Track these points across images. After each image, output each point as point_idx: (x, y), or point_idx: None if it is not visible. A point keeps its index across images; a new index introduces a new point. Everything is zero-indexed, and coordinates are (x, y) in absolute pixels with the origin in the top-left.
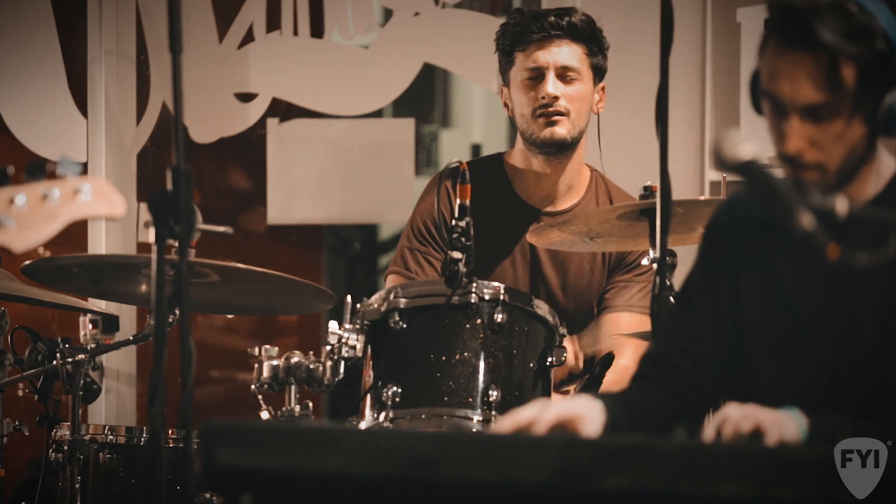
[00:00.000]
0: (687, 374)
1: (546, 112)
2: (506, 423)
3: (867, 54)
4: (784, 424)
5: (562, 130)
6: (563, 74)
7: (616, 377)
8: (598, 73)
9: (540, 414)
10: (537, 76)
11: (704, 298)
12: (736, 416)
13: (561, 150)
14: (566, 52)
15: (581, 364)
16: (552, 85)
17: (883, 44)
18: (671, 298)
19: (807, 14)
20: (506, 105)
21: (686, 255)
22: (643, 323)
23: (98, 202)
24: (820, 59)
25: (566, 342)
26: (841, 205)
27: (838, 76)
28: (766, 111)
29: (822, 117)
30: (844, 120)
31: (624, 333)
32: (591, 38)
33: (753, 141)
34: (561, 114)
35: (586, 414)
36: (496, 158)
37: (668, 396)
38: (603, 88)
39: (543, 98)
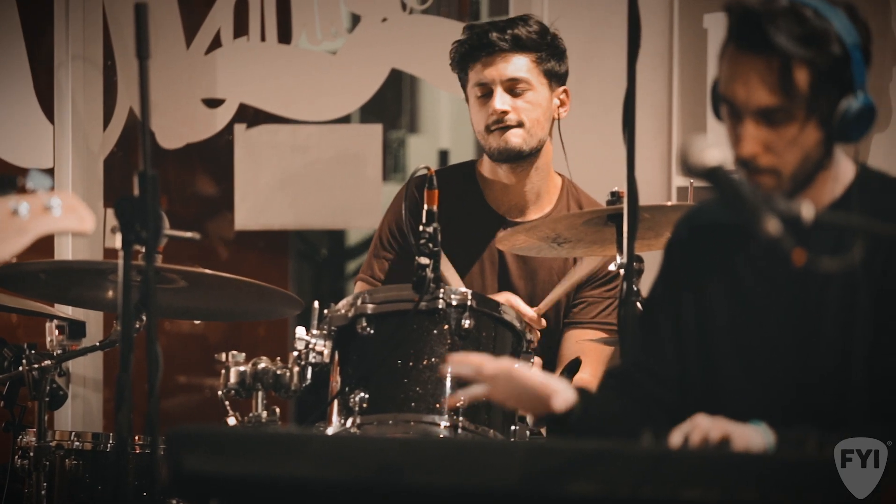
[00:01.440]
0: (648, 391)
1: (499, 127)
2: (456, 361)
3: (821, 59)
4: (751, 436)
5: (515, 140)
6: (512, 88)
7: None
8: (554, 78)
9: (488, 362)
10: (486, 92)
11: (667, 316)
12: (705, 426)
13: (519, 158)
14: (513, 65)
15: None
16: (500, 100)
17: (838, 49)
18: (638, 305)
19: (762, 18)
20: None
21: (653, 260)
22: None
23: (67, 217)
24: (773, 63)
25: (508, 297)
26: (807, 210)
27: (792, 80)
28: (724, 115)
29: (776, 121)
30: (799, 124)
31: (587, 339)
32: (539, 45)
33: (720, 147)
34: (513, 126)
35: (559, 386)
36: (468, 166)
37: (629, 406)
38: (565, 92)
39: (493, 114)
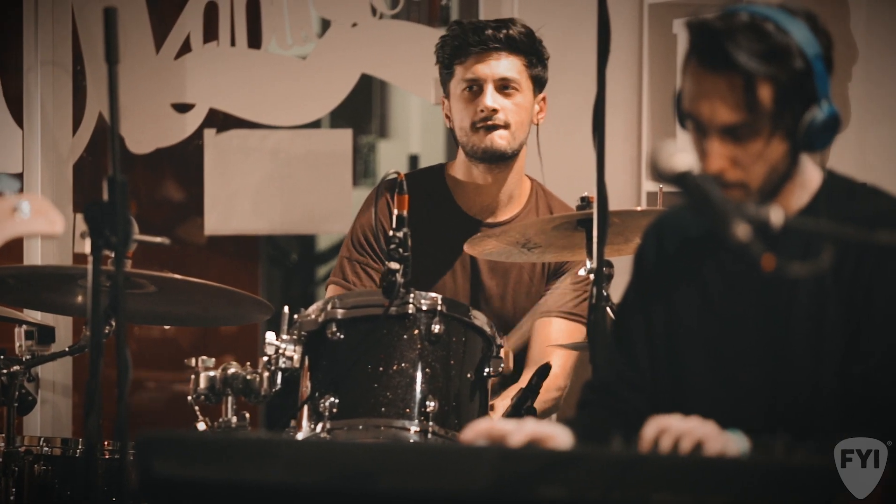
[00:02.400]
0: (629, 403)
1: (486, 125)
2: (479, 433)
3: (784, 74)
4: (725, 441)
5: (501, 141)
6: (503, 87)
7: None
8: (538, 84)
9: (515, 431)
10: (476, 88)
11: (639, 324)
12: (677, 430)
13: (501, 160)
14: (505, 65)
15: (511, 364)
16: (491, 98)
17: (800, 62)
18: (608, 309)
19: (722, 36)
20: (447, 116)
21: (623, 265)
22: (574, 329)
23: (37, 220)
24: (736, 81)
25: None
26: (776, 215)
27: (755, 97)
28: (690, 130)
29: (742, 137)
30: (764, 139)
31: (554, 344)
32: (530, 49)
33: (689, 152)
34: (500, 126)
35: (557, 437)
36: (437, 170)
37: (612, 422)
38: (544, 99)
39: (482, 111)
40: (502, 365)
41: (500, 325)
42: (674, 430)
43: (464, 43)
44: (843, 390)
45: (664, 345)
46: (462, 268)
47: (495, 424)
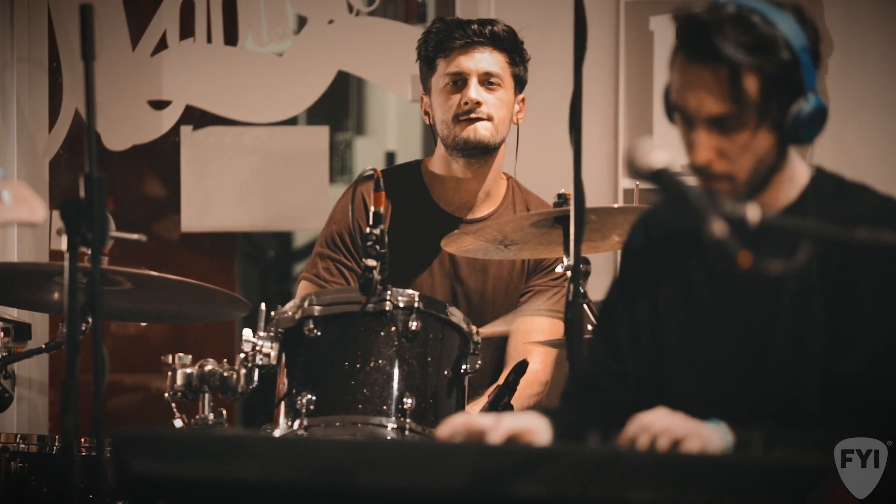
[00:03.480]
0: (613, 395)
1: (469, 118)
2: (456, 428)
3: (770, 65)
4: (706, 435)
5: (484, 132)
6: (486, 81)
7: (525, 381)
8: (519, 83)
9: (494, 424)
10: (459, 82)
11: (623, 317)
12: (656, 428)
13: (483, 153)
14: (489, 59)
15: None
16: (475, 90)
17: (786, 54)
18: (585, 307)
19: (709, 27)
20: (426, 113)
21: (599, 262)
22: (556, 326)
23: (18, 207)
24: (721, 72)
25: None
26: (752, 212)
27: (741, 88)
28: (677, 122)
29: (728, 128)
30: (751, 130)
31: (535, 341)
32: (512, 48)
33: (666, 149)
34: (483, 118)
35: (536, 429)
36: (413, 165)
37: (597, 414)
38: (523, 100)
39: (466, 104)
40: (479, 362)
41: (479, 322)
42: (652, 427)
43: (448, 37)
44: (825, 386)
45: (648, 339)
46: (440, 265)
47: (472, 419)
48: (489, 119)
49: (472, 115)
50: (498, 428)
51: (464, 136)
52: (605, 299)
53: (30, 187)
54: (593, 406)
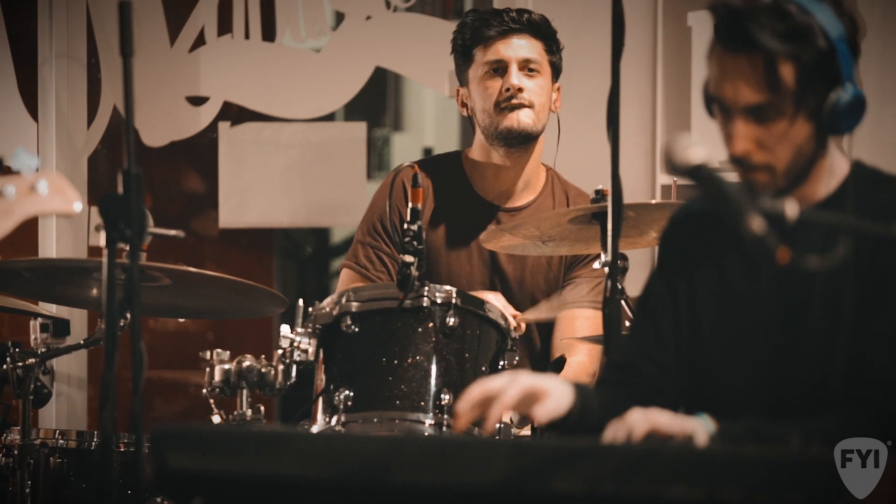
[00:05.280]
0: (651, 381)
1: (511, 104)
2: (472, 393)
3: (806, 53)
4: (687, 426)
5: (527, 120)
6: (526, 67)
7: (572, 374)
8: (556, 71)
9: (507, 385)
10: (499, 69)
11: (664, 304)
12: (631, 421)
13: (524, 141)
14: (527, 46)
15: (524, 327)
16: (516, 77)
17: (823, 42)
18: (623, 303)
19: (744, 16)
20: (463, 105)
21: (638, 258)
22: (600, 317)
23: (54, 198)
24: (757, 61)
25: (493, 297)
26: (790, 208)
27: (777, 76)
28: (716, 114)
29: (766, 118)
30: (788, 119)
31: (579, 336)
32: (548, 35)
33: (704, 145)
34: (525, 105)
35: (553, 391)
36: (454, 156)
37: (634, 401)
38: (558, 88)
39: (508, 90)
40: (517, 358)
41: (517, 309)
42: (628, 422)
43: (485, 26)
44: (847, 370)
45: (687, 328)
46: (479, 252)
47: (486, 384)
48: (531, 106)
49: (515, 102)
50: (512, 386)
51: (507, 124)
52: (645, 288)
53: (65, 178)
54: (629, 392)
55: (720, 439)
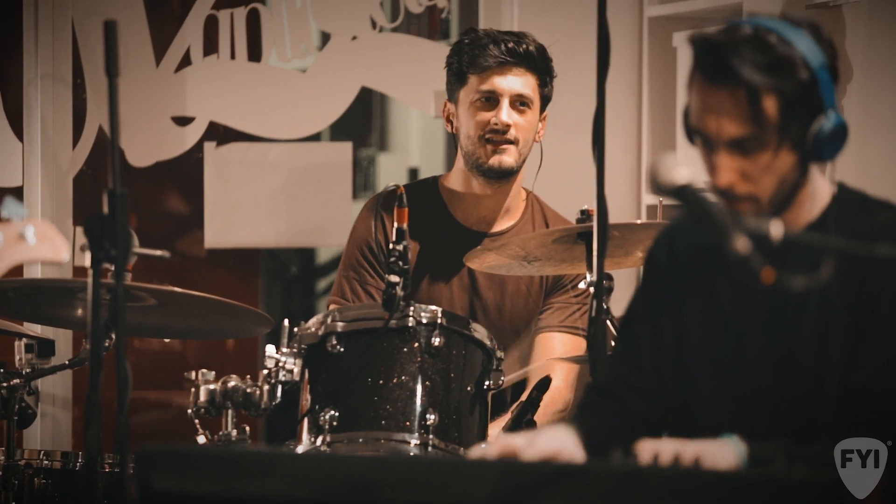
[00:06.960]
0: (631, 406)
1: (495, 139)
2: (491, 452)
3: (788, 86)
4: (719, 454)
5: (509, 159)
6: (517, 101)
7: (548, 398)
8: (545, 102)
9: (526, 449)
10: (491, 99)
11: (646, 329)
12: (671, 450)
13: (505, 176)
14: (521, 82)
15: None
16: (506, 113)
17: (804, 73)
18: (608, 323)
19: (726, 50)
20: (449, 121)
21: (623, 278)
22: (576, 343)
23: (42, 246)
24: (740, 94)
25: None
26: (775, 229)
27: (761, 109)
28: (698, 145)
29: (749, 150)
30: (772, 151)
31: (556, 357)
32: (543, 68)
33: (689, 165)
34: (510, 142)
35: (566, 448)
36: (430, 182)
37: (614, 425)
38: (545, 118)
39: (496, 124)
40: (502, 378)
41: (498, 337)
42: (668, 450)
43: (483, 53)
44: (840, 397)
45: (671, 351)
46: (459, 279)
47: (505, 442)
48: (515, 143)
49: (499, 138)
50: (530, 451)
51: (490, 163)
52: (628, 311)
53: (53, 226)
54: (611, 417)
55: (752, 462)
